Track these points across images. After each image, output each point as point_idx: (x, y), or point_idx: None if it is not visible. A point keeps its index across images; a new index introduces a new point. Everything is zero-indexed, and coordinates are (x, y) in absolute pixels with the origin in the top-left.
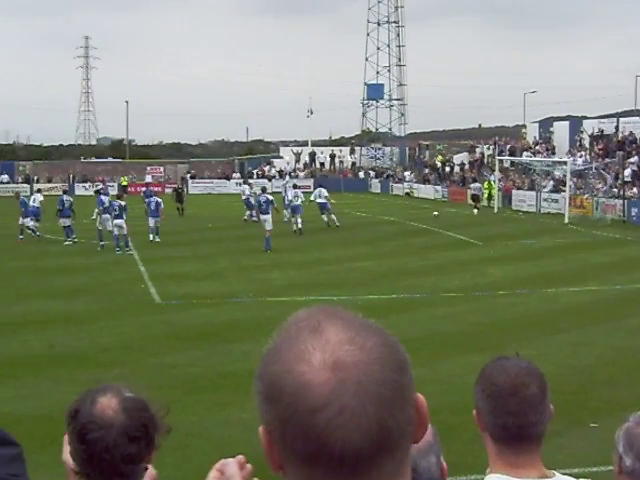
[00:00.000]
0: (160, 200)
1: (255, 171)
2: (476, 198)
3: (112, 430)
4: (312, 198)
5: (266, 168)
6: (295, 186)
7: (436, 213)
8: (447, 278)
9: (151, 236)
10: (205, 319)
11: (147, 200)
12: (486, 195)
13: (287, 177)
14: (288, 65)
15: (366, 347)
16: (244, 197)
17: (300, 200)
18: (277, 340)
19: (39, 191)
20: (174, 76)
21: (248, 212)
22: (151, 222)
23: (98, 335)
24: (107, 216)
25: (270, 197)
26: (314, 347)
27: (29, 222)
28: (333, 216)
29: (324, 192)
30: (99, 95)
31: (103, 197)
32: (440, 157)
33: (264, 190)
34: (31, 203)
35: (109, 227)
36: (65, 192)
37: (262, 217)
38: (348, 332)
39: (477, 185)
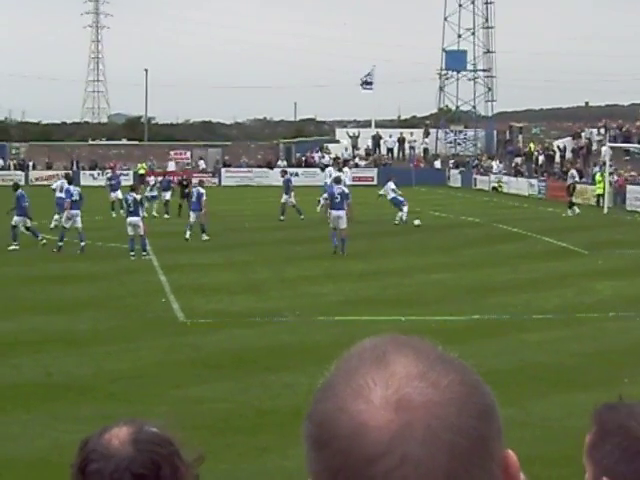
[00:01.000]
0: (203, 191)
1: (304, 157)
2: (570, 190)
3: (112, 461)
4: (382, 192)
5: (316, 155)
6: (338, 180)
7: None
8: (543, 295)
9: (188, 233)
10: (240, 343)
11: (193, 190)
12: (597, 191)
13: (345, 168)
14: (345, 26)
15: (440, 385)
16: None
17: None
18: (333, 373)
19: (68, 178)
20: (204, 39)
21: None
22: (192, 217)
23: (106, 361)
24: (76, 212)
25: (346, 190)
26: (375, 382)
27: (25, 221)
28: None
29: (391, 185)
30: (111, 61)
31: (71, 187)
32: (532, 144)
33: (338, 181)
34: (59, 194)
35: (77, 224)
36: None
37: (334, 213)
38: (420, 365)
39: (572, 173)
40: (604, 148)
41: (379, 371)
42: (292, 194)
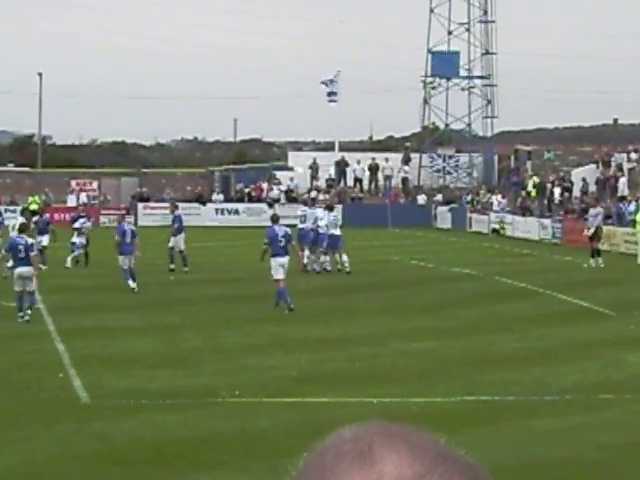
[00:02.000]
0: (134, 228)
1: (247, 190)
2: (596, 236)
3: None
4: (307, 225)
5: (264, 186)
6: (276, 219)
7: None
8: (559, 370)
9: (131, 283)
10: (161, 432)
11: (120, 228)
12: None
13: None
14: (301, 18)
15: None
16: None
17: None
18: (301, 473)
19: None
20: (117, 35)
21: None
22: (124, 262)
23: None
24: None
25: (288, 230)
26: None
27: None
28: (345, 257)
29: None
30: None
31: None
32: (535, 177)
33: (276, 220)
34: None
35: None
36: None
37: (279, 260)
38: (416, 465)
39: (597, 211)
40: None
41: (361, 472)
42: (182, 236)
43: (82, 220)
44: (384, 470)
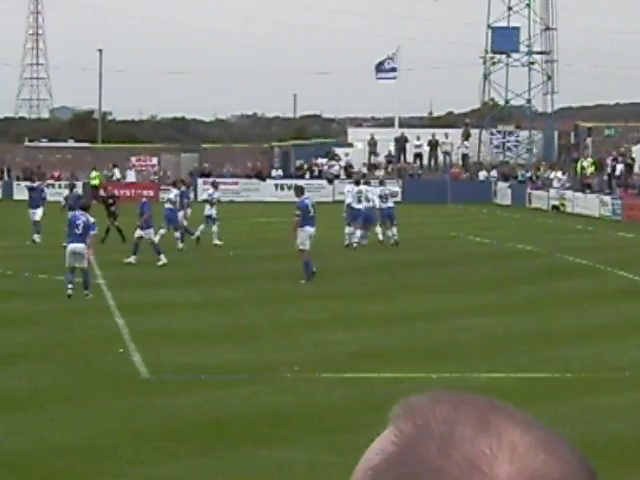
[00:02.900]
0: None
1: (306, 165)
2: None
3: None
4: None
5: (321, 162)
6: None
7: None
8: (619, 347)
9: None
10: (221, 407)
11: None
12: None
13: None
14: None
15: (565, 458)
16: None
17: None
18: (403, 442)
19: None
20: (178, 13)
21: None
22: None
23: (46, 429)
24: None
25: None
26: (494, 452)
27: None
28: (395, 229)
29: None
30: (55, 40)
31: None
32: (589, 159)
33: (302, 191)
34: None
35: None
36: None
37: (309, 230)
38: (533, 434)
39: None
40: None
41: (491, 439)
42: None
43: (210, 192)
44: (515, 440)
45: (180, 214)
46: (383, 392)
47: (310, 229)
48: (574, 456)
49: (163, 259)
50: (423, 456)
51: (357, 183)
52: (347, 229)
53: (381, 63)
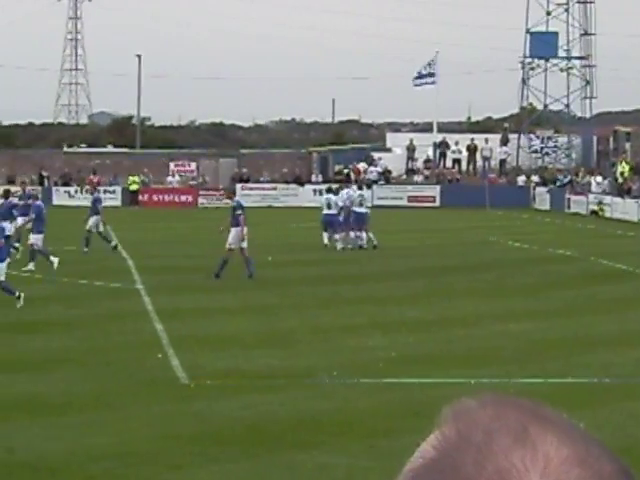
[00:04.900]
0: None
1: (346, 171)
2: None
3: None
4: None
5: (361, 167)
6: (330, 190)
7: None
8: None
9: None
10: (260, 412)
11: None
12: None
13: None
14: (399, 1)
15: (602, 474)
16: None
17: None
18: (440, 448)
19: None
20: (214, 18)
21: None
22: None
23: (85, 434)
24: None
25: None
26: (527, 466)
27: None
28: (371, 234)
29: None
30: (94, 45)
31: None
32: (624, 163)
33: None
34: None
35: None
36: (31, 195)
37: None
38: (572, 446)
39: None
40: None
41: (525, 451)
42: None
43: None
44: (549, 451)
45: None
46: (422, 397)
47: (244, 229)
48: (614, 471)
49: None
50: (458, 464)
51: (328, 191)
52: (336, 235)
53: (420, 72)
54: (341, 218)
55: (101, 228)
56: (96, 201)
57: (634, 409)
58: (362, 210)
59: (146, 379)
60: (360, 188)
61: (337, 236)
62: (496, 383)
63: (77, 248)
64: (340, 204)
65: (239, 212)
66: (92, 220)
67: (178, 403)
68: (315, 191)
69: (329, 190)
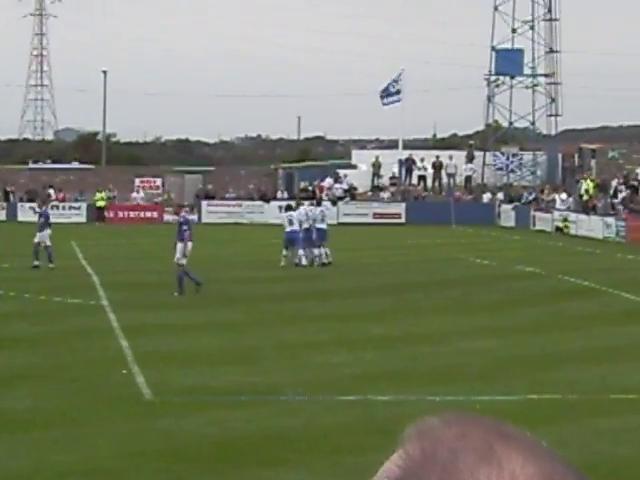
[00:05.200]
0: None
1: (311, 188)
2: None
3: None
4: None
5: (326, 184)
6: (289, 207)
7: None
8: (624, 369)
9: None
10: (226, 428)
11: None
12: None
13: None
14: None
15: None
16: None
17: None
18: (408, 466)
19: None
20: (181, 34)
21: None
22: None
23: (50, 451)
24: None
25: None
26: None
27: None
28: (328, 250)
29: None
30: (60, 61)
31: None
32: (590, 181)
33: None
34: None
35: None
36: None
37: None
38: (537, 464)
39: None
40: None
41: (492, 469)
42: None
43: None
44: (516, 471)
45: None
46: (387, 414)
47: (190, 244)
48: None
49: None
50: None
51: (288, 208)
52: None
53: (386, 88)
54: (301, 235)
55: (48, 242)
56: (41, 216)
57: (600, 426)
58: (323, 226)
59: (111, 396)
60: (319, 204)
61: (301, 252)
62: (462, 400)
63: (42, 264)
64: (299, 220)
65: (185, 227)
66: (41, 234)
67: (143, 420)
68: (281, 208)
69: (288, 207)
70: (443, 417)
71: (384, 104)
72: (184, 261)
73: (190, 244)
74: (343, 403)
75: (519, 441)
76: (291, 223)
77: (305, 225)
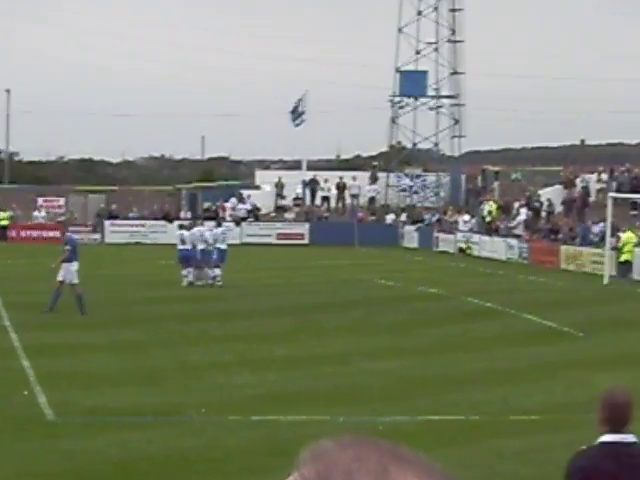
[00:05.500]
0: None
1: (214, 207)
2: None
3: None
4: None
5: (229, 205)
6: (182, 226)
7: None
8: (525, 390)
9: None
10: (128, 449)
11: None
12: (624, 256)
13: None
14: (269, 39)
15: None
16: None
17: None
18: None
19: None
20: (84, 53)
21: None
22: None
23: None
24: None
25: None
26: None
27: None
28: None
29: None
30: None
31: None
32: (493, 203)
33: None
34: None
35: None
36: None
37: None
38: None
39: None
40: (609, 197)
41: None
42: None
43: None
44: None
45: None
46: (289, 435)
47: (76, 264)
48: None
49: None
50: None
51: (181, 227)
52: (183, 271)
53: (295, 109)
54: (198, 255)
55: None
56: None
57: (502, 447)
58: (223, 247)
59: (12, 416)
60: (219, 225)
61: (184, 272)
62: (365, 421)
63: None
64: (192, 240)
65: (68, 247)
66: None
67: (45, 441)
68: (181, 226)
69: (181, 227)
70: (338, 440)
71: (296, 125)
72: (77, 280)
73: (76, 264)
74: (246, 423)
75: (414, 463)
76: (183, 242)
77: (201, 246)
